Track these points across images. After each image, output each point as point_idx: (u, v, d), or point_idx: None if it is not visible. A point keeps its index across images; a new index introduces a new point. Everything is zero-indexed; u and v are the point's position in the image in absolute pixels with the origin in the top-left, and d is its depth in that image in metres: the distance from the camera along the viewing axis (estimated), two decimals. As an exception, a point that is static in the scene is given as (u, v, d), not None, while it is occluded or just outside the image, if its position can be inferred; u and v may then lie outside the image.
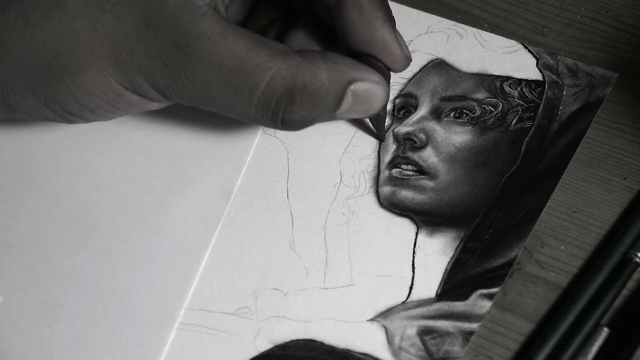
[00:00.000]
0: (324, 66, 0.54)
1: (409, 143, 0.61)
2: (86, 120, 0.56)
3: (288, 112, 0.54)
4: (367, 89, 0.55)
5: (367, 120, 0.62)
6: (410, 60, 0.57)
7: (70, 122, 0.57)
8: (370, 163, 0.61)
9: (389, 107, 0.62)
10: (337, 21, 0.56)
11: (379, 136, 0.62)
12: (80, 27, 0.53)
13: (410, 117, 0.62)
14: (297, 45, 0.58)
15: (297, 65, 0.53)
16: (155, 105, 0.56)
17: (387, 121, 0.62)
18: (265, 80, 0.53)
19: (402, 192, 0.60)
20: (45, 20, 0.53)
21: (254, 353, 0.57)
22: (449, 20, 0.65)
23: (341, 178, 0.61)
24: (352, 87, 0.55)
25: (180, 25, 0.53)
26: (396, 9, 0.64)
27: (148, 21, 0.53)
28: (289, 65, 0.53)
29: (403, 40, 0.57)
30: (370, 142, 0.62)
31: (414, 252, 0.58)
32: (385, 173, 0.61)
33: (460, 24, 0.65)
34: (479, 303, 0.56)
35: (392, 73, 0.58)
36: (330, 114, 0.55)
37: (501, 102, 0.62)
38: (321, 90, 0.54)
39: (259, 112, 0.54)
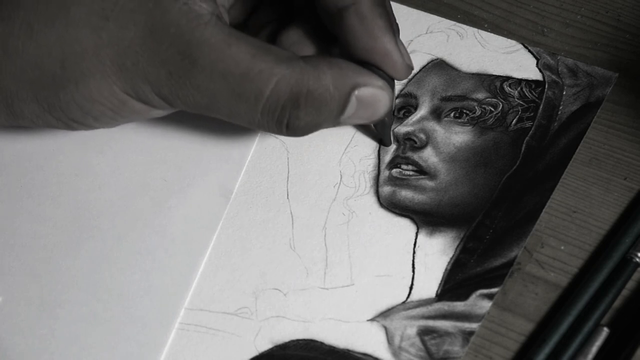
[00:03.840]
0: (329, 71, 0.54)
1: (409, 143, 0.61)
2: (89, 127, 0.57)
3: (293, 117, 0.54)
4: (372, 94, 0.55)
5: (372, 126, 0.62)
6: (412, 68, 0.57)
7: (73, 129, 0.57)
8: (370, 163, 0.61)
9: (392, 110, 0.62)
10: (338, 29, 0.56)
11: (384, 142, 0.61)
12: (84, 35, 0.53)
13: (410, 117, 0.62)
14: (288, 44, 0.58)
15: (301, 70, 0.53)
16: (159, 113, 0.57)
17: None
18: (270, 87, 0.53)
19: (402, 192, 0.60)
20: (49, 29, 0.53)
21: (254, 353, 0.57)
22: (449, 20, 0.65)
23: (341, 178, 0.61)
24: (356, 92, 0.55)
25: (183, 33, 0.53)
26: (396, 9, 0.64)
27: (152, 29, 0.53)
28: (294, 70, 0.53)
29: (405, 49, 0.57)
30: (371, 142, 0.62)
31: (414, 252, 0.58)
32: (385, 173, 0.61)
33: (460, 24, 0.65)
34: (479, 303, 0.56)
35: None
36: (335, 119, 0.55)
37: (501, 102, 0.62)
38: (326, 95, 0.54)
39: (264, 118, 0.54)
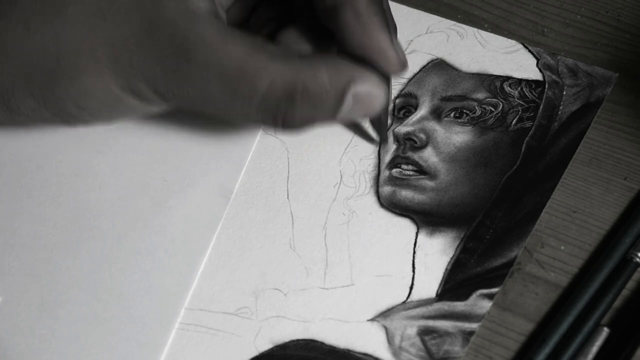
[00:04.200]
0: (324, 68, 0.54)
1: (409, 143, 0.61)
2: (86, 123, 0.57)
3: (289, 114, 0.54)
4: (367, 90, 0.55)
5: (369, 123, 0.62)
6: (406, 65, 0.57)
7: (70, 125, 0.57)
8: (370, 163, 0.61)
9: (389, 107, 0.62)
10: (334, 26, 0.56)
11: (381, 139, 0.61)
12: (80, 34, 0.53)
13: (410, 117, 0.62)
14: (287, 42, 0.58)
15: (297, 67, 0.53)
16: (155, 110, 0.57)
17: (388, 122, 0.62)
18: (266, 83, 0.53)
19: (402, 192, 0.60)
20: (46, 26, 0.54)
21: (254, 353, 0.57)
22: (449, 20, 0.65)
23: (341, 178, 0.61)
24: (352, 88, 0.55)
25: (179, 30, 0.53)
26: (396, 9, 0.64)
27: (148, 27, 0.53)
28: (289, 67, 0.53)
29: (400, 46, 0.57)
30: (371, 142, 0.62)
31: (414, 252, 0.58)
32: (385, 173, 0.61)
33: (460, 24, 0.65)
34: (479, 303, 0.56)
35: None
36: (331, 116, 0.55)
37: (501, 102, 0.62)
38: (321, 91, 0.54)
39: (260, 114, 0.54)
